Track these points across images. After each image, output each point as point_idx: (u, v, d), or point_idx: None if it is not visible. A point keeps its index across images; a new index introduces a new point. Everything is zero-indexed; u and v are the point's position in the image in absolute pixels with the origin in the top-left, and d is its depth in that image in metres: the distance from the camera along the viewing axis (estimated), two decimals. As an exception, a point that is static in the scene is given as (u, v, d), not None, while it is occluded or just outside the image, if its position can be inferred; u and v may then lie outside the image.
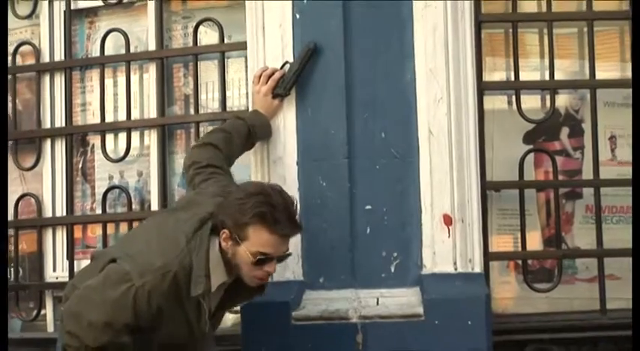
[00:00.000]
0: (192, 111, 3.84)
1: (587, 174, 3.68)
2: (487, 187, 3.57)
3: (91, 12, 4.09)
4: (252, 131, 3.42)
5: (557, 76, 3.68)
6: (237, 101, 3.83)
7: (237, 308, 3.52)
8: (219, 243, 3.00)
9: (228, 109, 3.76)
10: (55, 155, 4.04)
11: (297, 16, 3.52)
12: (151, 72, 3.93)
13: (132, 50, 3.95)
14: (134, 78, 3.96)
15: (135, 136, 3.94)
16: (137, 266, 2.90)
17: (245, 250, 2.94)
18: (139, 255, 2.97)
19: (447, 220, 3.43)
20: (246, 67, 3.66)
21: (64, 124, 4.02)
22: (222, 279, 3.03)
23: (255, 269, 2.97)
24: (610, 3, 3.76)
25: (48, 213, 4.05)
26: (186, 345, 3.10)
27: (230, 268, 3.03)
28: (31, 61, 4.11)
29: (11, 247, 4.05)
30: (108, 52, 3.97)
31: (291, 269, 3.46)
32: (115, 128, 3.96)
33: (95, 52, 4.03)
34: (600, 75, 3.67)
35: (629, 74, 3.65)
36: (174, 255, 2.91)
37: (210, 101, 3.88)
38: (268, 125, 3.49)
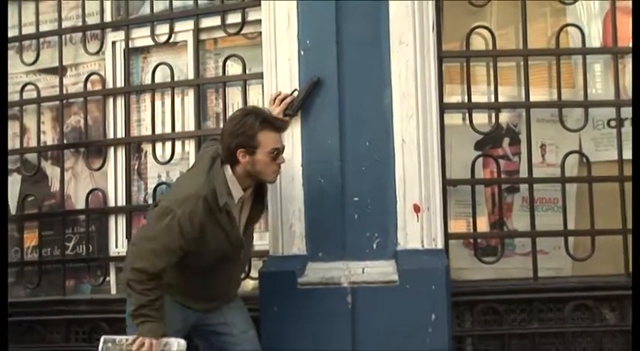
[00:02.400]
0: (221, 125, 3.68)
1: (523, 173, 3.67)
2: (447, 184, 3.58)
3: (145, 50, 4.06)
4: None
5: (500, 99, 3.68)
6: (256, 118, 3.82)
7: (256, 275, 3.55)
8: (236, 165, 3.00)
9: (249, 124, 3.77)
10: (117, 159, 4.04)
11: (302, 53, 3.52)
12: (190, 95, 3.93)
13: (175, 79, 3.94)
14: (177, 100, 3.94)
15: (177, 144, 3.93)
16: (174, 200, 2.94)
17: (261, 154, 2.99)
18: (174, 193, 3.04)
19: (416, 209, 3.43)
20: (263, 92, 3.65)
21: (123, 135, 4.02)
22: (240, 193, 3.04)
23: (272, 165, 3.03)
24: (540, 42, 3.74)
25: (111, 203, 4.03)
26: (230, 257, 3.10)
27: (245, 181, 3.05)
28: (98, 87, 4.08)
29: (84, 229, 4.04)
30: (157, 80, 3.97)
31: (297, 246, 3.49)
32: (163, 138, 3.97)
33: (147, 80, 4.00)
34: (533, 98, 3.67)
35: (555, 97, 3.68)
36: (200, 185, 2.95)
37: (235, 118, 3.89)
38: None
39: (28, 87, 4.18)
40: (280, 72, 3.57)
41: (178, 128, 3.96)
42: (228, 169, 3.02)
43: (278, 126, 3.07)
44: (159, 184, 3.96)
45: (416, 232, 3.44)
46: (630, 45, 3.69)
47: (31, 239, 4.17)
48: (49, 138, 4.22)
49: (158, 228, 2.91)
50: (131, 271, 2.90)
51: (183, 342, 2.96)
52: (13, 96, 4.24)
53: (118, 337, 2.98)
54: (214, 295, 3.14)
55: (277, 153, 3.03)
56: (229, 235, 3.01)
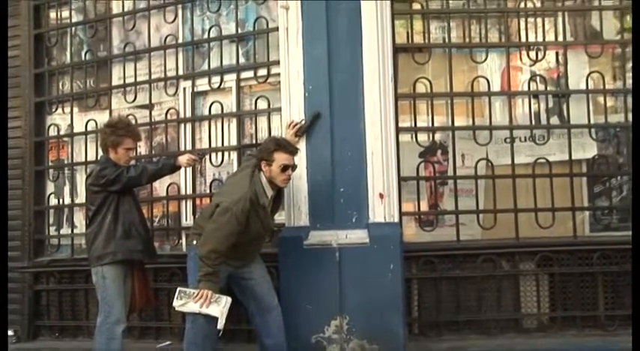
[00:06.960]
0: (254, 142, 3.81)
1: (450, 173, 3.67)
2: (401, 179, 3.60)
3: (204, 93, 4.04)
4: None
5: (435, 124, 3.68)
6: (277, 138, 3.79)
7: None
8: (263, 173, 3.09)
9: (272, 142, 3.71)
10: (186, 163, 4.08)
11: (307, 94, 3.53)
12: (234, 122, 3.93)
13: (224, 111, 3.92)
14: (225, 125, 3.93)
15: (226, 154, 3.91)
16: (231, 201, 3.00)
17: (275, 166, 3.08)
18: (228, 195, 3.06)
19: (381, 196, 3.45)
20: (281, 120, 3.64)
21: (190, 148, 3.97)
22: (270, 193, 3.14)
23: (282, 175, 3.10)
24: (461, 87, 3.68)
25: (182, 192, 4.02)
26: (259, 238, 3.17)
27: (272, 186, 3.12)
28: (174, 117, 4.07)
29: (165, 209, 4.01)
30: (212, 112, 3.95)
31: (303, 220, 3.50)
32: (216, 150, 3.93)
33: (206, 112, 3.98)
34: (457, 123, 3.67)
35: (471, 123, 3.66)
36: (246, 189, 3.03)
37: (263, 137, 3.75)
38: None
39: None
40: (293, 107, 3.58)
41: (226, 143, 3.95)
42: (263, 177, 3.10)
43: (290, 150, 3.14)
44: (213, 180, 3.96)
45: (381, 211, 3.46)
46: (519, 89, 3.74)
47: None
48: (143, 150, 4.20)
49: (222, 221, 2.98)
50: (206, 251, 2.95)
51: (229, 299, 3.00)
52: (119, 123, 4.29)
53: (187, 290, 3.03)
54: (245, 257, 3.21)
55: (286, 167, 3.10)
56: (264, 222, 3.11)
